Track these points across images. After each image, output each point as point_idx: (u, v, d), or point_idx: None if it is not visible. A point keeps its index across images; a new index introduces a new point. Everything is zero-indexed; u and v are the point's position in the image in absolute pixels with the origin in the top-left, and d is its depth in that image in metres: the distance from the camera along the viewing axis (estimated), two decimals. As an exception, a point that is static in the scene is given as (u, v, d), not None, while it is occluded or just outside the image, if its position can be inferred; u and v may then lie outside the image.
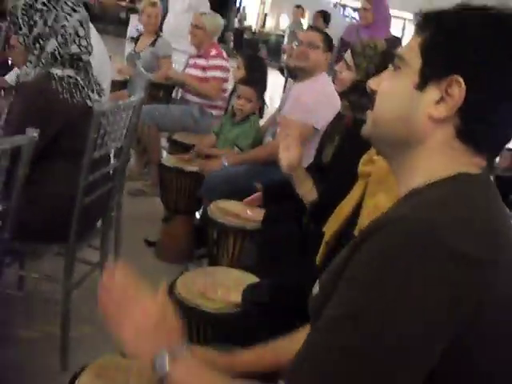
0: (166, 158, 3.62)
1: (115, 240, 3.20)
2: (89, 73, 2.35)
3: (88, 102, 2.26)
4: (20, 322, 2.49)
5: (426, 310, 0.79)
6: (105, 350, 1.50)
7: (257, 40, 16.74)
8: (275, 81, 3.99)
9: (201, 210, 3.53)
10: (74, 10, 2.26)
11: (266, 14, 21.35)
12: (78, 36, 2.27)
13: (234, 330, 1.79)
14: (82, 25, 2.28)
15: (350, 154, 1.91)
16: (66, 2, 2.25)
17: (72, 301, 2.34)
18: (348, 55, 2.38)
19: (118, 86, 4.56)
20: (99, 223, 2.61)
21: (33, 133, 1.56)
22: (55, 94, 2.18)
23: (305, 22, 8.83)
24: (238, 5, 20.02)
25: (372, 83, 1.08)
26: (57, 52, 2.23)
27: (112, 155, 2.57)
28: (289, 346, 1.21)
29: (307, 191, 2.17)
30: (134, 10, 9.39)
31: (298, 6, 8.90)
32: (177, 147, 4.04)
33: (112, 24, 15.30)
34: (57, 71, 2.22)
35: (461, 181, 0.93)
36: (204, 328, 1.86)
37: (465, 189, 0.92)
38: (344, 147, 2.26)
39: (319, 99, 3.07)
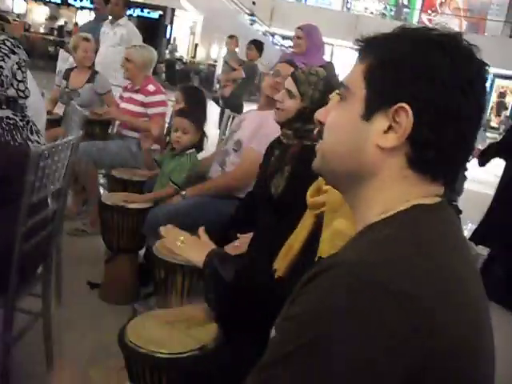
0: (106, 196, 3.51)
1: (56, 285, 3.07)
2: (25, 113, 2.25)
3: (29, 143, 2.17)
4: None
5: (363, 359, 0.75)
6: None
7: (188, 70, 16.79)
8: (209, 110, 3.96)
9: (144, 248, 3.43)
10: (13, 52, 2.17)
11: (196, 45, 21.51)
12: (16, 80, 2.17)
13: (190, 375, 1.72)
14: (20, 68, 2.19)
15: (303, 184, 1.87)
16: (4, 43, 2.15)
17: (12, 358, 2.20)
18: (289, 84, 2.37)
19: (53, 123, 4.43)
20: (39, 269, 2.49)
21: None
22: None
23: (238, 52, 8.86)
24: (168, 36, 20.08)
25: (319, 115, 1.07)
26: None
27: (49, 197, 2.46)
28: None
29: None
30: (63, 43, 9.25)
31: (232, 37, 8.93)
32: (115, 184, 3.93)
33: (41, 59, 15.10)
34: None
35: (413, 215, 0.90)
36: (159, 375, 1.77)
37: (415, 224, 0.89)
38: (298, 177, 2.20)
39: (265, 128, 3.04)
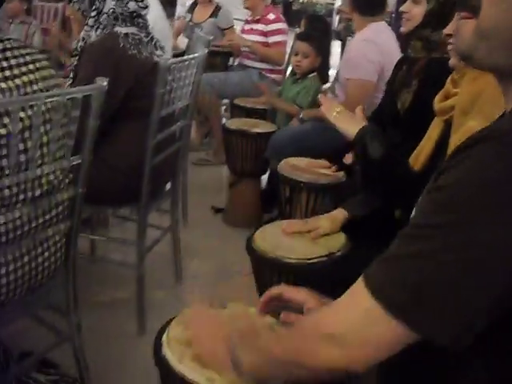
0: (230, 122, 3.54)
1: (182, 206, 3.16)
2: (149, 31, 2.29)
3: (155, 57, 2.21)
4: (93, 287, 2.47)
5: None
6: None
7: (306, 10, 16.48)
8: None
9: (267, 174, 3.44)
10: None
11: (314, -16, 21.02)
12: None
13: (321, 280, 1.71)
14: None
15: (430, 97, 1.80)
16: None
17: (145, 266, 2.30)
18: None
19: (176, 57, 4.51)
20: (167, 186, 2.57)
21: (103, 82, 1.49)
22: (123, 52, 2.12)
23: None
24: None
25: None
26: (115, 11, 2.18)
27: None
28: None
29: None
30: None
31: None
32: (238, 112, 3.96)
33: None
34: (121, 29, 2.17)
35: None
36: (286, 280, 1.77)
37: None
38: (424, 90, 2.12)
39: (368, 52, 2.94)
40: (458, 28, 0.88)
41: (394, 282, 0.75)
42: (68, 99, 1.44)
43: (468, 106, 1.54)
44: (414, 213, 1.04)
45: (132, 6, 2.21)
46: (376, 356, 0.78)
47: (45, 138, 1.42)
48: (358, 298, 0.78)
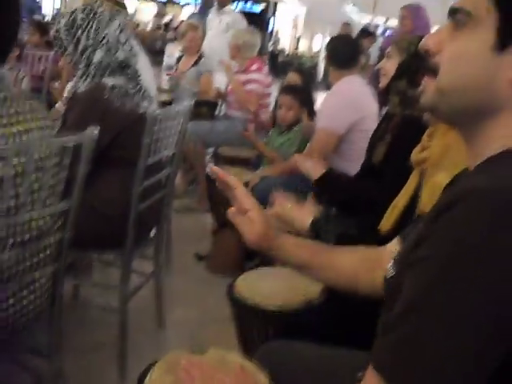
0: (214, 171, 3.60)
1: (166, 252, 3.20)
2: (138, 81, 2.36)
3: (139, 109, 2.28)
4: (75, 331, 2.48)
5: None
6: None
7: (291, 62, 16.84)
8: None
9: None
10: (114, 17, 2.29)
11: (298, 38, 21.57)
12: (120, 42, 2.30)
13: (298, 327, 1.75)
14: (122, 31, 2.31)
15: (402, 149, 1.89)
16: (103, 13, 2.28)
17: (128, 311, 2.32)
18: (390, 49, 2.47)
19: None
20: (152, 233, 2.61)
21: (93, 130, 1.56)
22: (108, 104, 2.20)
23: None
24: (270, 29, 20.26)
25: (429, 42, 0.92)
26: (104, 61, 2.26)
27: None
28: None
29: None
30: (170, 40, 9.54)
31: (346, 24, 8.98)
32: (223, 162, 4.04)
33: (148, 54, 15.59)
34: (108, 80, 2.24)
35: None
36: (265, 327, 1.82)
37: None
38: (396, 144, 2.22)
39: (338, 104, 3.08)
40: (424, 86, 0.96)
41: (409, 367, 0.74)
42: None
43: (438, 159, 1.62)
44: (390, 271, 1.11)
45: (121, 55, 2.29)
46: None
47: (36, 185, 1.48)
48: None
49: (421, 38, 2.38)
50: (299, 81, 3.95)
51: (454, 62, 0.88)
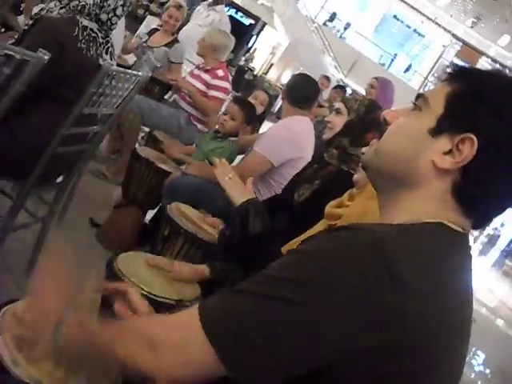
0: (142, 148, 3.58)
1: (63, 205, 3.12)
2: (108, 34, 2.35)
3: (100, 60, 2.25)
4: None
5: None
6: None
7: (255, 84, 16.94)
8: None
9: (155, 210, 3.48)
10: None
11: (271, 64, 21.80)
12: (115, 14, 2.28)
13: None
14: (123, 5, 2.30)
15: (328, 200, 1.94)
16: None
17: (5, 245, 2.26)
18: (338, 104, 2.53)
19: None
20: (59, 179, 2.56)
21: (45, 55, 1.53)
22: (72, 41, 2.16)
23: (326, 93, 8.68)
24: (249, 45, 20.39)
25: (388, 114, 1.08)
26: (89, 8, 2.22)
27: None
28: None
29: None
30: (152, 13, 9.41)
31: (326, 77, 9.05)
32: (153, 143, 3.99)
33: (126, 18, 15.33)
34: (82, 20, 2.21)
35: (437, 228, 0.93)
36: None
37: (436, 236, 0.92)
38: (323, 193, 2.27)
39: (283, 137, 3.12)
40: (370, 145, 1.07)
41: (223, 317, 0.84)
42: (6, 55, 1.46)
43: (355, 220, 1.68)
44: None
45: (103, 17, 2.27)
46: (181, 373, 0.86)
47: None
48: (190, 321, 0.86)
49: (371, 100, 2.50)
50: (265, 101, 3.98)
51: (395, 131, 1.03)
